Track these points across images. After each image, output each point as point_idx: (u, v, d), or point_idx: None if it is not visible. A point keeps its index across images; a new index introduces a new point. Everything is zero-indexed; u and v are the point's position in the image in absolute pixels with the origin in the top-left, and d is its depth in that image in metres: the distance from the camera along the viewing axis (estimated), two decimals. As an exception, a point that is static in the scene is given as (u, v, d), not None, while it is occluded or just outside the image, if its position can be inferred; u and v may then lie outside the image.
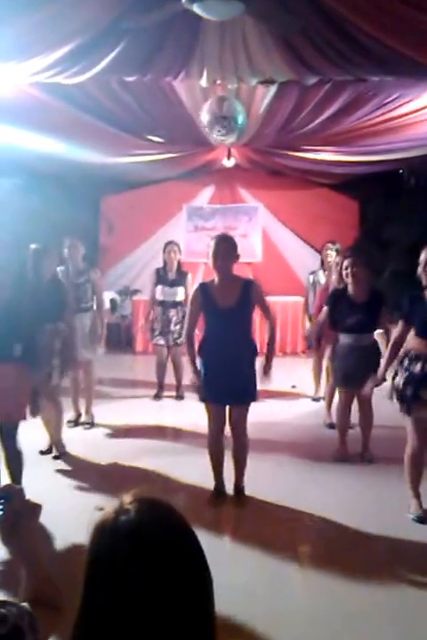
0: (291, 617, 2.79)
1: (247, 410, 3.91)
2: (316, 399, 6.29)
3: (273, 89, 5.97)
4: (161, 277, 6.44)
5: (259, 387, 3.90)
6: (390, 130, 7.04)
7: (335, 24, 4.28)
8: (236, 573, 3.04)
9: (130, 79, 5.41)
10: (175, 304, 6.40)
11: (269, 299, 9.97)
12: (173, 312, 6.40)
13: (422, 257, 3.58)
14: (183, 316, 6.31)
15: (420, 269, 3.58)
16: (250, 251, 9.89)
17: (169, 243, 6.53)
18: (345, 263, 4.56)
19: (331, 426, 5.38)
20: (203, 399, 3.88)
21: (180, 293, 6.41)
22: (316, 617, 2.79)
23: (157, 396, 6.55)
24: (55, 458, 4.73)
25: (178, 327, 6.38)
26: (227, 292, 3.78)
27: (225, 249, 3.78)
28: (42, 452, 4.78)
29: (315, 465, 4.65)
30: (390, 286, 5.53)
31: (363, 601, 2.90)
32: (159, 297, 6.42)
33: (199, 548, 0.96)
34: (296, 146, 8.22)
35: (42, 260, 4.47)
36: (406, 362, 3.64)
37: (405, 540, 3.51)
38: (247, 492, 4.02)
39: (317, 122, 6.95)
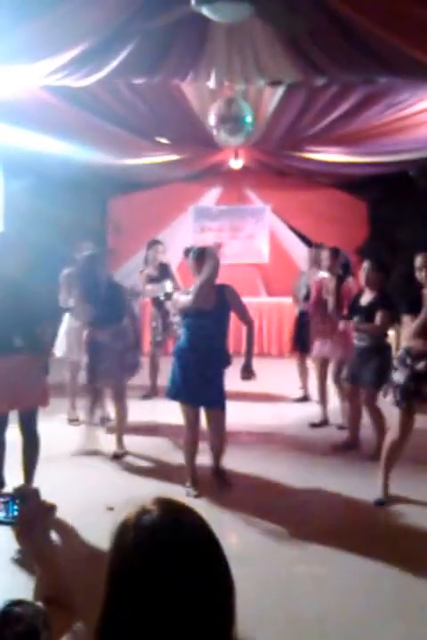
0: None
1: (224, 413, 4.17)
2: (300, 399, 6.41)
3: (281, 90, 5.99)
4: (148, 276, 6.58)
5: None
6: (399, 130, 7.03)
7: (343, 26, 4.28)
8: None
9: (138, 81, 5.43)
10: (167, 296, 6.43)
11: (276, 300, 9.96)
12: (169, 304, 6.41)
13: (418, 261, 3.78)
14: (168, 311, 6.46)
15: (418, 274, 3.79)
16: (257, 252, 9.90)
17: (154, 242, 6.68)
18: (363, 265, 4.73)
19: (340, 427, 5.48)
20: (175, 399, 4.11)
21: (167, 286, 6.47)
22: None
23: (147, 396, 6.50)
24: (116, 457, 4.78)
25: (166, 321, 6.47)
26: (210, 294, 3.98)
27: (216, 262, 4.05)
28: (88, 453, 4.85)
29: (321, 460, 4.74)
30: (400, 288, 5.53)
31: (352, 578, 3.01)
32: (151, 295, 6.55)
33: (219, 548, 0.98)
34: (304, 147, 8.21)
35: (96, 266, 4.64)
36: (408, 360, 3.75)
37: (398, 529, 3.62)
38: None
39: (324, 123, 6.96)
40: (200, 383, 3.98)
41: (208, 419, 4.19)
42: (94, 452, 4.86)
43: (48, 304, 4.40)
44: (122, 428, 4.92)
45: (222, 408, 4.14)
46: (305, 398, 6.43)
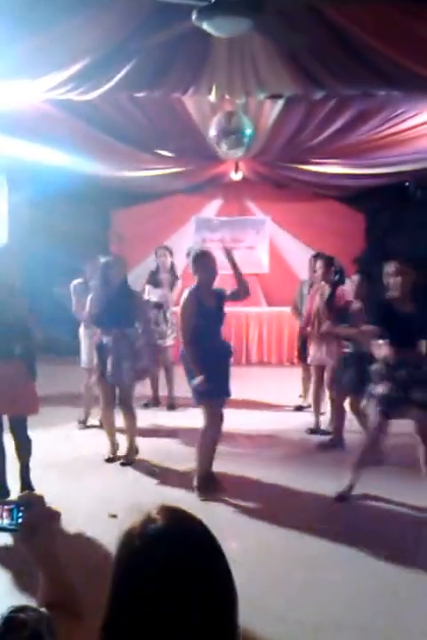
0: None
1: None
2: (299, 408, 6.49)
3: (280, 103, 6.04)
4: (152, 279, 6.62)
5: None
6: (397, 143, 7.09)
7: (342, 40, 4.34)
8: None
9: (140, 95, 5.50)
10: (158, 305, 6.44)
11: (276, 309, 9.99)
12: (154, 312, 6.38)
13: (390, 267, 3.90)
14: (166, 317, 6.46)
15: (390, 280, 3.88)
16: (257, 262, 9.95)
17: (159, 247, 6.79)
18: (353, 278, 5.00)
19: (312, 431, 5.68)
20: (210, 398, 4.20)
21: (165, 295, 6.49)
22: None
23: (147, 405, 6.48)
24: (123, 464, 4.83)
25: (161, 327, 6.43)
26: (210, 294, 4.30)
27: (214, 264, 4.30)
28: (108, 460, 4.90)
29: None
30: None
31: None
32: (145, 297, 6.48)
33: (223, 557, 0.98)
34: (303, 159, 8.29)
35: (110, 272, 4.84)
36: (386, 371, 3.87)
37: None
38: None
39: (324, 135, 7.02)
40: (221, 377, 4.24)
41: None
42: (114, 458, 4.91)
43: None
44: (132, 433, 4.92)
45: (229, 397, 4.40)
46: (302, 407, 6.48)
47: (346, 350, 4.93)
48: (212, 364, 4.17)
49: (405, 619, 2.87)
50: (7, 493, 4.02)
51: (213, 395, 4.18)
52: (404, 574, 3.23)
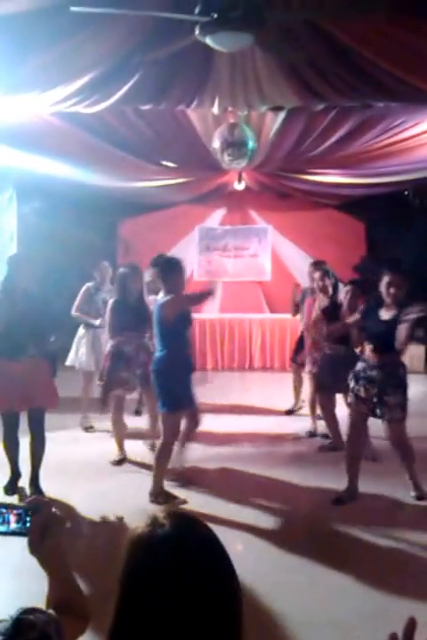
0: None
1: None
2: (291, 411, 6.56)
3: (282, 115, 6.15)
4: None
5: None
6: (397, 152, 7.19)
7: (341, 53, 4.43)
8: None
9: (145, 108, 5.63)
10: None
11: (278, 316, 10.06)
12: None
13: (385, 279, 4.00)
14: None
15: (383, 290, 4.00)
16: (260, 270, 10.08)
17: None
18: (345, 289, 5.21)
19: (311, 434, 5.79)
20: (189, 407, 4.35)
21: None
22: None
23: (137, 412, 6.33)
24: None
25: None
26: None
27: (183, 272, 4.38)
28: (115, 463, 4.97)
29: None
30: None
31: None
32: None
33: (228, 559, 1.01)
34: (305, 169, 8.40)
35: (128, 280, 4.94)
36: (362, 371, 4.10)
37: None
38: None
39: (324, 146, 7.12)
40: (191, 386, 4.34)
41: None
42: (122, 461, 4.99)
43: (56, 313, 4.66)
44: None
45: None
46: (292, 411, 6.56)
47: (332, 353, 5.04)
48: (188, 374, 4.28)
49: (384, 615, 2.84)
50: (19, 475, 4.26)
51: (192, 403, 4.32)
52: (393, 576, 3.26)
